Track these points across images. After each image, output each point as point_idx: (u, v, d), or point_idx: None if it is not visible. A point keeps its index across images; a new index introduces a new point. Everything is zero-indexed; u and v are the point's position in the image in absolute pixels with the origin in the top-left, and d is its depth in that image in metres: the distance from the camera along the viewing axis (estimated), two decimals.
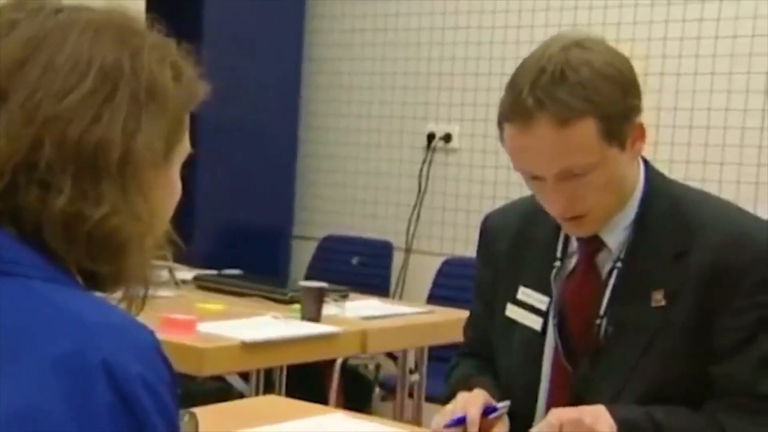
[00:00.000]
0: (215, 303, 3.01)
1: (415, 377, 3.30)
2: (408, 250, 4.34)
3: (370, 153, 4.54)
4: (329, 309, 2.92)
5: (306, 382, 3.13)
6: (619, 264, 1.58)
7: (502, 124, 1.52)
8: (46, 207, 0.86)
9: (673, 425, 1.50)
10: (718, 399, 1.52)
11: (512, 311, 1.67)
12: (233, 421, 1.78)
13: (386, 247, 4.30)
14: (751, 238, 1.53)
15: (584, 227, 1.57)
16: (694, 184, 1.70)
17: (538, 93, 1.45)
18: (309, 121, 4.71)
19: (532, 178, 1.53)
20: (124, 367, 0.82)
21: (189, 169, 1.00)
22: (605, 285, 1.58)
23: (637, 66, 1.57)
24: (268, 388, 2.97)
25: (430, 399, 3.23)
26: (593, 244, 1.60)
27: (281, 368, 3.01)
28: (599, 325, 1.57)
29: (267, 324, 2.75)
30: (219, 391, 3.41)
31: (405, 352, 3.26)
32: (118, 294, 0.93)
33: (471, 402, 1.57)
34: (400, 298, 4.17)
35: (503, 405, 1.59)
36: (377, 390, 3.94)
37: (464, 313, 1.89)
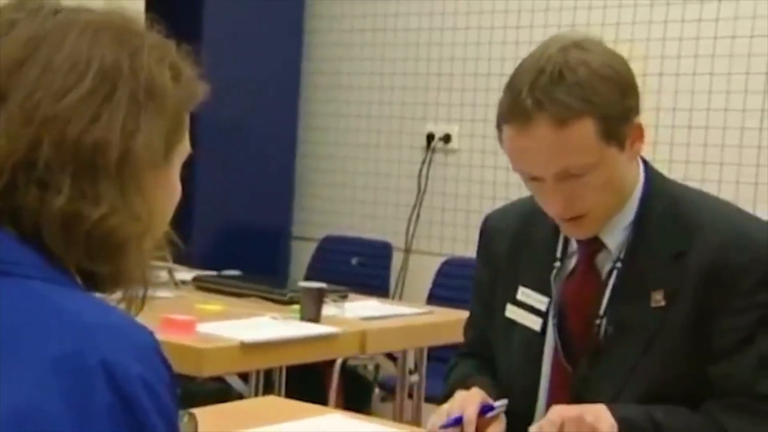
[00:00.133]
0: (214, 304, 3.01)
1: (415, 378, 3.30)
2: (407, 251, 4.34)
3: (370, 153, 4.54)
4: (329, 309, 2.92)
5: (305, 382, 3.13)
6: (618, 264, 1.58)
7: (500, 125, 1.52)
8: (44, 207, 0.86)
9: (673, 425, 1.50)
10: (717, 399, 1.53)
11: (512, 312, 1.67)
12: (233, 421, 1.78)
13: (386, 248, 4.30)
14: (750, 239, 1.53)
15: (583, 228, 1.57)
16: (693, 184, 1.70)
17: (537, 93, 1.45)
18: (308, 122, 4.71)
19: (531, 179, 1.53)
20: (124, 367, 0.82)
21: (188, 170, 1.00)
22: (605, 285, 1.59)
23: (636, 66, 1.57)
24: (268, 388, 2.97)
25: (429, 399, 3.23)
26: (593, 245, 1.60)
27: (281, 369, 3.01)
28: (599, 326, 1.58)
29: (266, 324, 2.75)
30: (218, 391, 3.41)
31: (404, 352, 3.26)
32: (118, 295, 0.93)
33: (468, 401, 1.57)
34: (400, 298, 4.17)
35: (500, 403, 1.59)
36: (377, 390, 3.94)
37: (464, 314, 1.89)
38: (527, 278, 1.66)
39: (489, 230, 1.78)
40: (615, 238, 1.58)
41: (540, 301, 1.64)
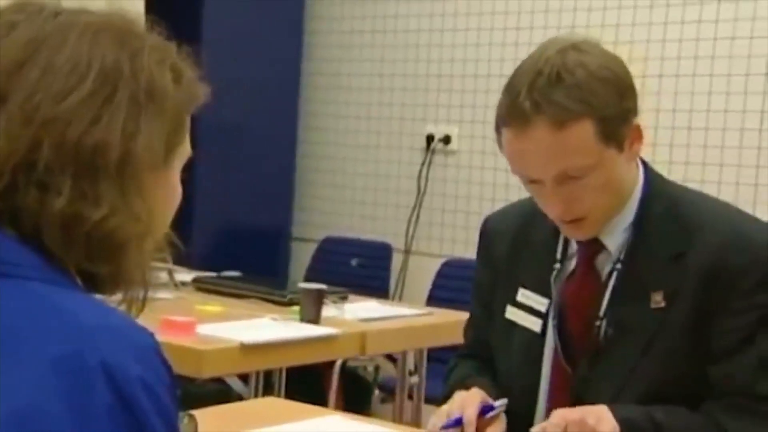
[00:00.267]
0: (214, 305, 3.01)
1: (415, 379, 3.30)
2: (407, 252, 4.34)
3: (369, 154, 4.54)
4: (328, 311, 2.92)
5: (305, 383, 3.13)
6: (618, 266, 1.58)
7: (499, 128, 1.52)
8: (44, 208, 0.86)
9: (673, 425, 1.50)
10: (717, 399, 1.53)
11: (512, 313, 1.67)
12: (232, 423, 1.78)
13: (385, 249, 4.30)
14: (749, 240, 1.53)
15: (583, 230, 1.57)
16: (693, 185, 1.70)
17: (535, 96, 1.45)
18: (308, 123, 4.71)
19: (530, 181, 1.53)
20: (124, 368, 0.82)
21: (188, 170, 1.00)
22: (605, 286, 1.59)
23: (636, 68, 1.57)
24: (268, 389, 2.97)
25: (429, 401, 3.23)
26: (592, 247, 1.60)
27: (280, 370, 3.02)
28: (599, 327, 1.58)
29: (266, 326, 2.75)
30: (218, 393, 3.41)
31: (404, 353, 3.26)
32: (118, 296, 0.93)
33: (468, 401, 1.57)
34: (400, 299, 4.17)
35: (500, 403, 1.59)
36: (376, 392, 3.94)
37: (464, 315, 1.89)
38: (527, 279, 1.66)
39: (489, 232, 1.78)
40: (615, 239, 1.58)
41: (540, 303, 1.64)
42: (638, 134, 1.54)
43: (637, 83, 1.55)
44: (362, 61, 4.55)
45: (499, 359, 1.71)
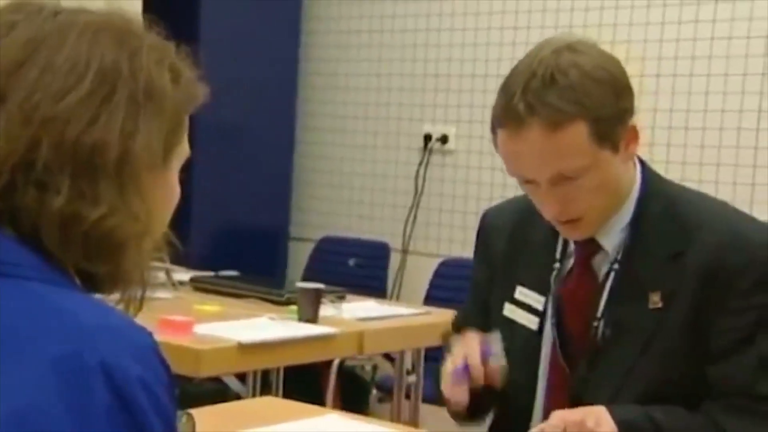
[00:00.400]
0: (212, 304, 3.01)
1: (412, 378, 3.30)
2: (405, 252, 4.34)
3: (367, 154, 4.55)
4: (326, 310, 2.92)
5: (303, 383, 3.13)
6: (615, 266, 1.58)
7: (495, 129, 1.52)
8: (43, 207, 0.87)
9: (672, 425, 1.50)
10: (716, 400, 1.52)
11: (510, 311, 1.67)
12: (230, 422, 1.78)
13: (383, 249, 4.30)
14: (747, 239, 1.53)
15: (579, 231, 1.57)
16: (690, 185, 1.70)
17: (529, 98, 1.45)
18: (306, 122, 4.71)
19: (526, 182, 1.53)
20: (122, 368, 0.82)
21: (186, 170, 1.00)
22: (602, 287, 1.59)
23: (633, 68, 1.57)
24: (265, 389, 2.98)
25: (426, 400, 3.24)
26: (589, 247, 1.60)
27: (278, 369, 3.02)
28: (596, 328, 1.58)
29: (264, 325, 2.76)
30: (216, 392, 3.41)
31: (402, 353, 3.27)
32: (116, 295, 0.94)
33: (469, 348, 1.56)
34: (397, 299, 4.17)
35: (497, 343, 1.58)
36: (374, 391, 3.94)
37: None
38: (526, 278, 1.66)
39: (487, 227, 1.78)
40: (612, 239, 1.58)
41: (537, 301, 1.64)
42: (634, 135, 1.53)
43: (635, 83, 1.55)
44: (360, 61, 4.55)
45: None
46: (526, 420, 1.61)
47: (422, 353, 3.25)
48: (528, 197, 1.61)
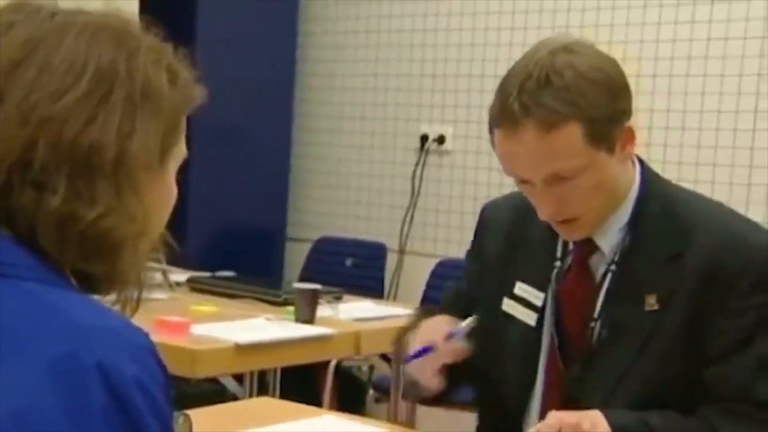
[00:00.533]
0: (209, 305, 3.01)
1: None
2: (402, 252, 4.34)
3: (364, 155, 4.55)
4: (323, 311, 2.92)
5: (300, 383, 3.13)
6: (613, 267, 1.58)
7: (492, 129, 1.53)
8: (40, 207, 0.87)
9: (668, 430, 1.50)
10: (712, 403, 1.52)
11: (510, 306, 1.67)
12: (227, 423, 1.78)
13: (380, 249, 4.30)
14: (743, 240, 1.53)
15: (576, 230, 1.57)
16: (686, 185, 1.70)
17: (524, 98, 1.45)
18: (303, 123, 4.71)
19: (522, 182, 1.54)
20: (119, 368, 0.82)
21: (183, 171, 1.00)
22: (599, 287, 1.59)
23: (630, 68, 1.57)
24: (262, 389, 2.98)
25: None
26: (586, 247, 1.60)
27: (275, 370, 3.01)
28: (593, 328, 1.58)
29: (261, 326, 2.76)
30: (213, 393, 3.40)
31: None
32: (112, 296, 0.94)
33: (433, 329, 1.58)
34: (394, 299, 4.17)
35: (467, 323, 1.59)
36: (371, 392, 3.94)
37: None
38: (526, 275, 1.66)
39: (484, 222, 1.78)
40: (609, 240, 1.58)
41: (537, 297, 1.64)
42: (630, 136, 1.53)
43: (631, 83, 1.55)
44: (356, 61, 4.55)
45: (488, 352, 1.69)
46: (522, 415, 1.61)
47: None
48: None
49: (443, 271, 3.89)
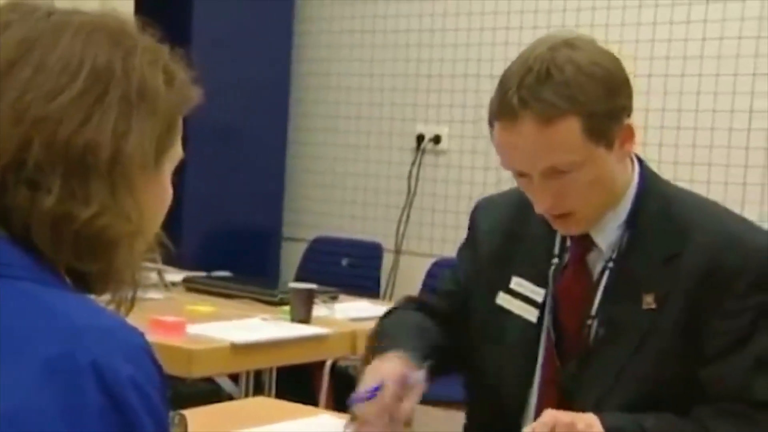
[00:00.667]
0: (204, 305, 3.01)
1: None
2: (398, 252, 4.34)
3: (360, 154, 4.55)
4: (319, 310, 2.92)
5: (296, 383, 3.13)
6: (610, 264, 1.58)
7: (491, 122, 1.53)
8: (34, 207, 0.87)
9: None
10: (708, 403, 1.52)
11: (505, 300, 1.66)
12: (223, 422, 1.78)
13: (376, 249, 4.30)
14: (741, 240, 1.53)
15: (572, 225, 1.57)
16: (682, 185, 1.71)
17: (523, 92, 1.46)
18: (299, 123, 4.71)
19: (520, 175, 1.54)
20: (114, 368, 0.82)
21: (178, 171, 1.00)
22: (597, 285, 1.58)
23: (626, 66, 1.57)
24: (258, 389, 2.98)
25: (420, 400, 3.23)
26: (584, 244, 1.60)
27: (271, 370, 3.02)
28: (590, 326, 1.57)
29: (256, 326, 2.76)
30: (208, 392, 3.40)
31: None
32: (107, 296, 0.94)
33: (387, 373, 1.55)
34: (390, 299, 4.17)
35: (417, 376, 1.55)
36: None
37: None
38: (524, 270, 1.65)
39: (477, 218, 1.78)
40: (607, 237, 1.58)
41: (536, 293, 1.63)
42: (630, 133, 1.53)
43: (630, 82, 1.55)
44: (352, 61, 4.55)
45: (483, 349, 1.68)
46: (520, 411, 1.61)
47: None
48: (521, 190, 1.61)
49: (439, 271, 3.89)
